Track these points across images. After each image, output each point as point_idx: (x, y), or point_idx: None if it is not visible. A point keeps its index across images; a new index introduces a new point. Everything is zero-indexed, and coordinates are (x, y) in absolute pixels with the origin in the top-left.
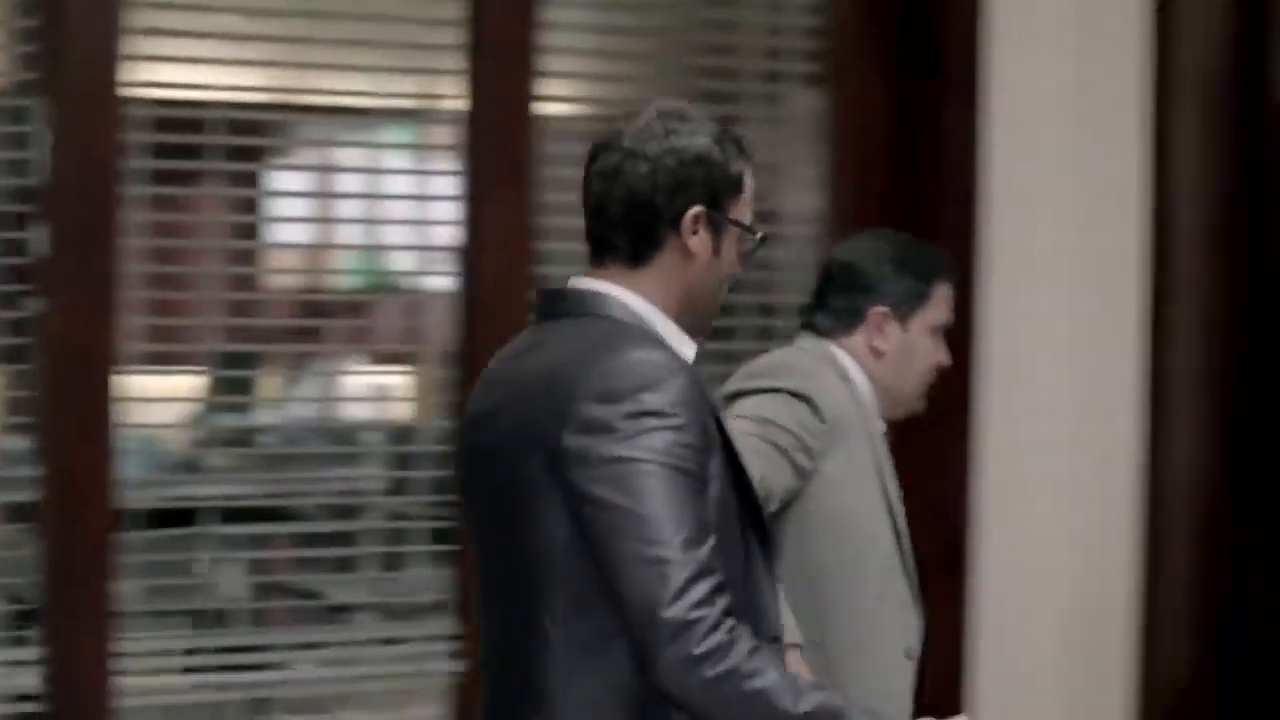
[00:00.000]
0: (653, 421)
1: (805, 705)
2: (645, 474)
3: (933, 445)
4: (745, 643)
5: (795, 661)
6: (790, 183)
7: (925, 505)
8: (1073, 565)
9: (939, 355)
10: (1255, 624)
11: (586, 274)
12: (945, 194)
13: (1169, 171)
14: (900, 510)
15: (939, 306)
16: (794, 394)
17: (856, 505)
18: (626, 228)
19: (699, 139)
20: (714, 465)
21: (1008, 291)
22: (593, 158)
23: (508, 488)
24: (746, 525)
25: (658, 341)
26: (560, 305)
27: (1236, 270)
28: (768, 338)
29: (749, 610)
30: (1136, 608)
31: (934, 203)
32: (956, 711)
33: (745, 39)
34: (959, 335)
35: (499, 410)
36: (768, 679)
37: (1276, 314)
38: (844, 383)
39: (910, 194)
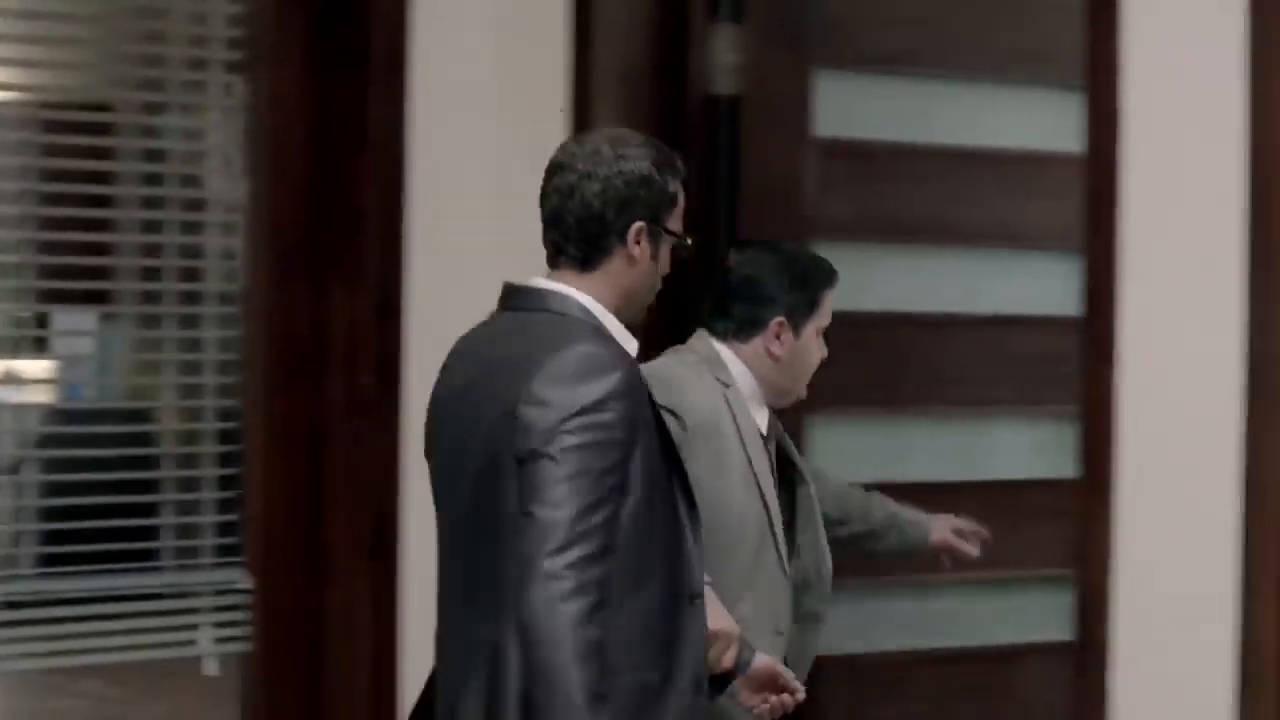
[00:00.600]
0: (586, 404)
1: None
2: (567, 448)
3: (360, 432)
4: (594, 630)
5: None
6: (216, 170)
7: (352, 491)
8: None
9: (822, 352)
10: None
11: (546, 275)
12: (369, 182)
13: None
14: (773, 499)
15: (824, 313)
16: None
17: (724, 498)
18: (580, 238)
19: (643, 163)
20: (640, 448)
21: (433, 279)
22: (550, 175)
23: (480, 453)
24: (680, 494)
25: (605, 337)
26: (521, 299)
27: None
28: (194, 325)
29: (674, 563)
30: None
31: (357, 191)
32: None
33: (172, 26)
34: (389, 321)
35: (471, 386)
36: (583, 671)
37: (693, 293)
38: (723, 386)
39: (334, 182)
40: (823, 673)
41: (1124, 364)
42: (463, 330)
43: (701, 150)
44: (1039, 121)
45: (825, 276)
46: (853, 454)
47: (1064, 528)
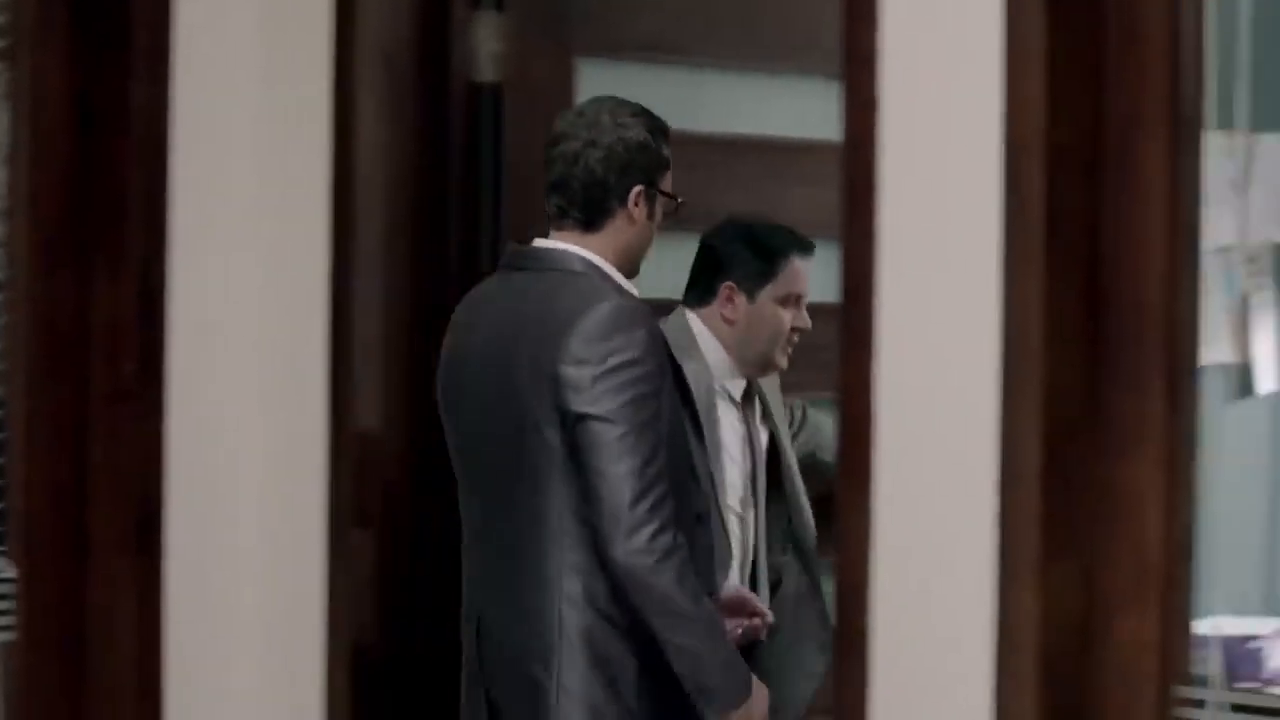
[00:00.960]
0: (625, 357)
1: (705, 618)
2: (616, 407)
3: (123, 421)
4: (680, 556)
5: None
6: None
7: (116, 482)
8: (267, 537)
9: (795, 321)
10: (433, 585)
11: (550, 235)
12: (133, 166)
13: (353, 146)
14: (722, 465)
15: (786, 280)
16: None
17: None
18: (585, 201)
19: (640, 131)
20: (666, 391)
21: (197, 264)
22: (554, 143)
23: (517, 409)
24: (689, 423)
25: (625, 292)
26: (532, 260)
27: (418, 242)
28: None
29: (688, 486)
30: (328, 573)
31: (121, 175)
32: None
33: None
34: (153, 307)
35: (496, 344)
36: (685, 588)
37: (456, 278)
38: (686, 354)
39: (97, 167)
40: None
41: (882, 352)
42: (226, 316)
43: (464, 138)
44: (805, 109)
45: (787, 245)
46: None
47: (828, 514)
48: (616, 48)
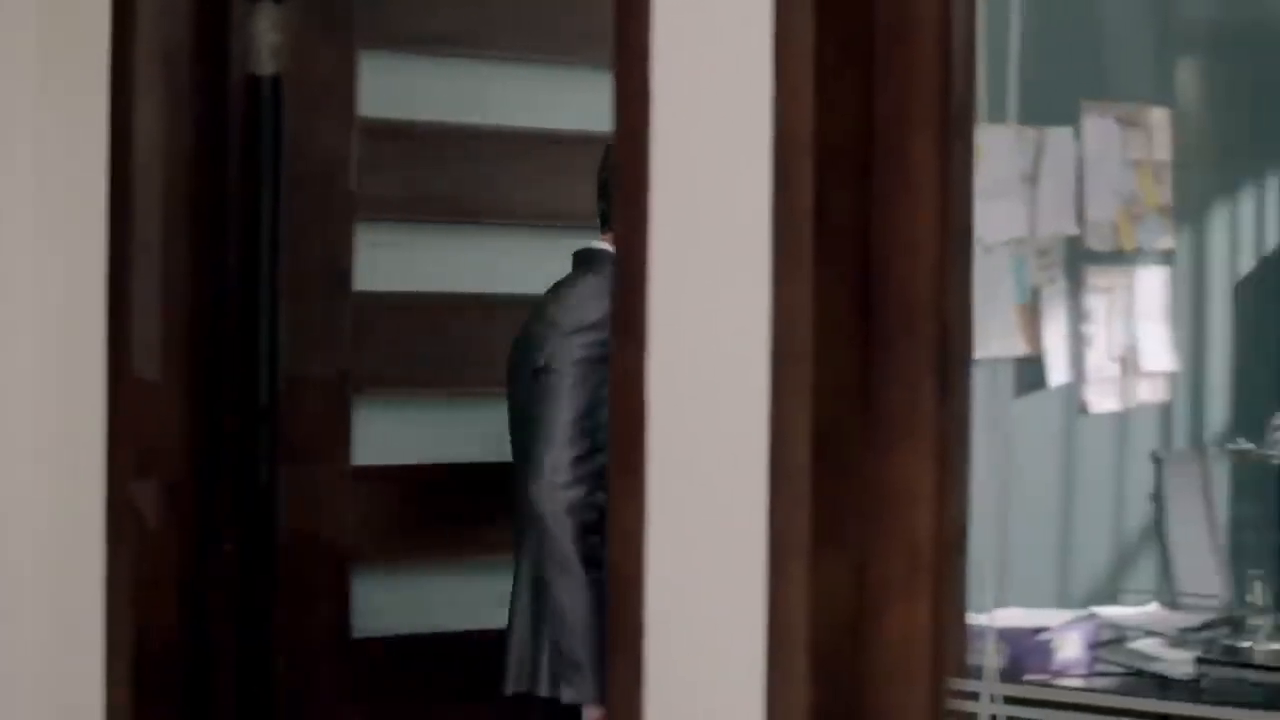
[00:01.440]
0: (589, 321)
1: (591, 587)
2: (571, 362)
3: None
4: (591, 514)
5: None
6: None
7: None
8: (47, 540)
9: None
10: (223, 584)
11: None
12: None
13: (132, 144)
14: None
15: None
16: None
17: None
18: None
19: None
20: None
21: None
22: (603, 158)
23: (518, 375)
24: None
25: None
26: (581, 258)
27: (198, 236)
28: None
29: None
30: (107, 571)
31: None
32: None
33: None
34: None
35: (536, 327)
36: (578, 545)
37: (236, 273)
38: None
39: None
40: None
41: (654, 346)
42: (4, 317)
43: (243, 132)
44: (592, 103)
45: None
46: (401, 437)
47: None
48: (400, 40)
